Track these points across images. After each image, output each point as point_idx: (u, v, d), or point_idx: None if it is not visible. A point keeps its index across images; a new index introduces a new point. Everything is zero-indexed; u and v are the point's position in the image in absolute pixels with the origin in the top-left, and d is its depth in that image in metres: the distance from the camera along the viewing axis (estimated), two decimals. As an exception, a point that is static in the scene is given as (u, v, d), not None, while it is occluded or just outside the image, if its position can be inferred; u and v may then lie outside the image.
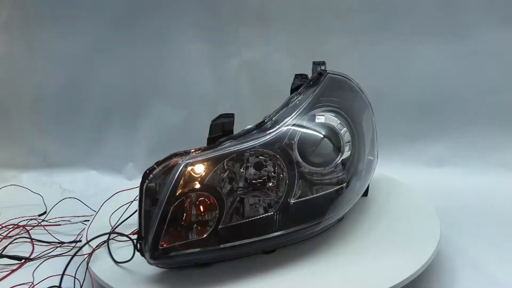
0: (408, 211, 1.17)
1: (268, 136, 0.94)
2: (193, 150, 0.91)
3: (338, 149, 1.00)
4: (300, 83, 1.07)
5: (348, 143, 1.01)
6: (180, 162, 0.89)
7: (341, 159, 0.99)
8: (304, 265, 0.96)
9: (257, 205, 0.98)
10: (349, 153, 1.01)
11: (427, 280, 1.02)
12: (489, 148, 1.61)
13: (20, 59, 1.73)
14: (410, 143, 1.65)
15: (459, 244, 1.18)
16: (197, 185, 0.90)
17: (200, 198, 0.94)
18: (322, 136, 0.98)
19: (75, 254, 1.08)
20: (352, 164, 1.02)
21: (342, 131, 1.00)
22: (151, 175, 0.89)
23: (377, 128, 1.16)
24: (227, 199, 0.94)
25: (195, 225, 0.94)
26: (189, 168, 0.89)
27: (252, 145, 0.93)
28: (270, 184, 0.98)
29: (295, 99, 1.01)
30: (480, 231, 1.25)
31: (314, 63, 1.14)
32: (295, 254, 0.99)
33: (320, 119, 0.99)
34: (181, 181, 0.88)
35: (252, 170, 0.98)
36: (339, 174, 1.00)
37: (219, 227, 0.91)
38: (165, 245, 0.89)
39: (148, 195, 0.88)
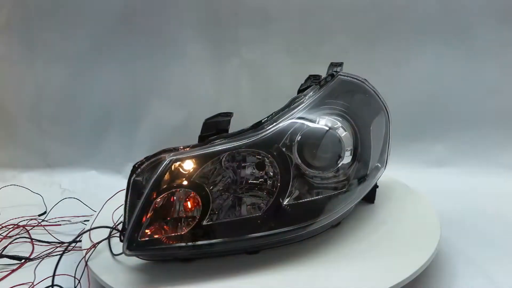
0: (408, 211, 1.17)
1: (258, 136, 0.93)
2: (181, 147, 0.93)
3: (338, 154, 0.98)
4: (309, 84, 1.06)
5: (349, 149, 0.99)
6: (167, 157, 0.90)
7: (341, 163, 0.98)
8: (300, 265, 0.96)
9: (246, 205, 0.98)
10: (350, 158, 0.99)
11: (427, 280, 1.02)
12: (489, 148, 1.61)
13: (20, 59, 1.73)
14: (410, 143, 1.65)
15: (459, 244, 1.18)
16: (182, 181, 0.92)
17: (184, 195, 0.95)
18: (320, 139, 0.97)
19: (64, 251, 1.08)
20: (353, 170, 1.00)
21: (343, 135, 0.98)
22: (139, 170, 0.91)
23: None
24: (217, 197, 0.95)
25: (176, 220, 0.95)
26: (175, 164, 0.91)
27: (239, 144, 0.93)
28: (262, 184, 0.99)
29: (299, 100, 1.00)
30: (480, 231, 1.25)
31: (331, 64, 1.12)
32: (288, 255, 0.98)
33: (321, 121, 0.97)
34: (165, 177, 0.90)
35: (243, 170, 0.99)
36: (338, 179, 0.99)
37: (203, 224, 0.92)
38: (142, 238, 0.90)
39: (135, 189, 0.91)
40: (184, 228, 0.94)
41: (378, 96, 1.09)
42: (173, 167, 0.91)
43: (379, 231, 1.08)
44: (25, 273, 1.10)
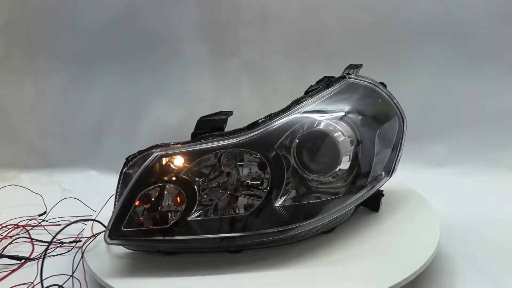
0: (408, 211, 1.17)
1: (248, 136, 0.93)
2: (172, 143, 0.94)
3: (336, 159, 0.95)
4: (318, 86, 1.04)
5: (347, 154, 0.96)
6: (155, 152, 0.92)
7: (338, 168, 0.95)
8: (296, 266, 0.95)
9: (240, 204, 0.99)
10: (348, 164, 0.96)
11: (427, 280, 1.02)
12: (489, 147, 1.60)
13: (20, 59, 1.73)
14: (410, 143, 1.64)
15: (459, 244, 1.17)
16: (169, 176, 0.93)
17: (173, 190, 0.97)
18: (316, 142, 0.95)
19: (46, 250, 1.07)
20: (351, 177, 0.97)
21: (341, 140, 0.95)
22: (130, 163, 0.94)
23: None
24: (211, 194, 0.96)
25: (163, 214, 0.97)
26: (165, 159, 0.92)
27: (226, 144, 0.93)
28: (252, 184, 1.00)
29: (301, 101, 0.98)
30: (480, 231, 1.25)
31: (350, 65, 1.09)
32: (277, 257, 0.97)
33: (320, 124, 0.95)
34: (150, 171, 0.92)
35: (240, 169, 1.00)
36: (334, 185, 0.97)
37: (187, 219, 0.93)
38: (125, 228, 0.92)
39: (125, 181, 0.93)
40: (164, 222, 0.95)
41: (393, 102, 1.06)
42: (163, 161, 0.93)
43: (379, 230, 1.07)
44: (25, 273, 1.10)
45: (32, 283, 1.04)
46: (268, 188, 0.94)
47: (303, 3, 1.62)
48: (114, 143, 1.75)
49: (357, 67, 1.09)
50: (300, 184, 0.96)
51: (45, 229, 1.30)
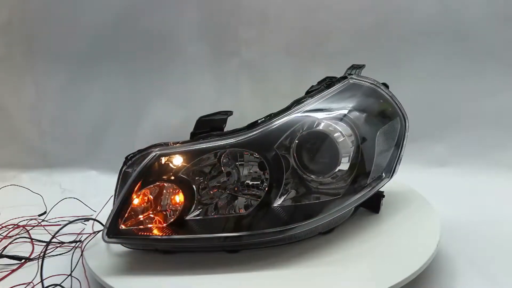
0: (408, 211, 1.16)
1: (246, 136, 0.93)
2: (171, 142, 0.94)
3: (335, 160, 0.95)
4: (319, 86, 1.03)
5: (347, 155, 0.95)
6: (153, 152, 0.92)
7: (337, 169, 0.95)
8: (295, 266, 0.94)
9: (240, 204, 0.99)
10: (348, 165, 0.96)
11: (427, 280, 1.02)
12: (489, 147, 1.60)
13: (20, 59, 1.73)
14: (410, 143, 1.64)
15: (459, 244, 1.17)
16: (167, 176, 0.94)
17: (169, 188, 0.97)
18: (316, 143, 0.95)
19: (45, 251, 1.06)
20: (350, 178, 0.97)
21: (340, 141, 0.94)
22: (129, 162, 0.94)
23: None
24: (210, 193, 0.96)
25: (162, 213, 0.97)
26: (164, 158, 0.93)
27: (223, 144, 0.93)
28: (252, 184, 1.00)
29: (301, 102, 0.97)
30: (480, 231, 1.25)
31: (352, 66, 1.09)
32: (276, 257, 0.97)
33: (319, 125, 0.95)
34: (148, 170, 0.92)
35: (240, 169, 1.00)
36: (334, 186, 0.97)
37: (185, 219, 0.93)
38: (123, 226, 0.93)
39: (124, 179, 0.94)
40: (161, 221, 0.96)
41: (395, 102, 1.05)
42: (161, 160, 0.93)
43: (379, 230, 1.07)
44: (25, 273, 1.10)
45: (32, 282, 1.04)
46: (267, 188, 0.94)
47: (303, 3, 1.62)
48: (114, 143, 1.75)
49: (359, 67, 1.09)
50: (299, 185, 0.95)
51: (45, 229, 1.30)
